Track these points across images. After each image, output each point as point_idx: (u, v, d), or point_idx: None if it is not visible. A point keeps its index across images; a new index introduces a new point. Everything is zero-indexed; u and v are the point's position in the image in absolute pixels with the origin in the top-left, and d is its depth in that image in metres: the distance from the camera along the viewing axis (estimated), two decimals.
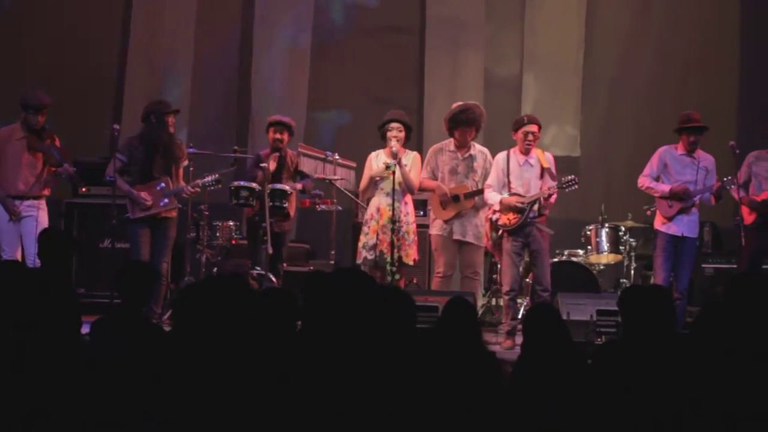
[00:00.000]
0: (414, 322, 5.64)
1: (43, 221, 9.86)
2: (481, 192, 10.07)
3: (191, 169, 10.28)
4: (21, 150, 9.85)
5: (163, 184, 9.81)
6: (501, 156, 10.06)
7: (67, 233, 10.33)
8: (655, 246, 10.16)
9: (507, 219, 9.88)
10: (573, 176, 9.94)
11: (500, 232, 9.98)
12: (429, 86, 13.43)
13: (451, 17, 13.44)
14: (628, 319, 5.72)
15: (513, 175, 9.95)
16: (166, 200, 9.81)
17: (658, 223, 10.13)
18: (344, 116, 13.62)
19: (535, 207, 9.80)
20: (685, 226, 10.04)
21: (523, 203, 9.78)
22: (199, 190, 10.07)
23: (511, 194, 9.87)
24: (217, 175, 10.15)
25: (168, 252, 9.97)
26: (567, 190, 9.93)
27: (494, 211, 9.96)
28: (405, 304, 5.64)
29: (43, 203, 9.93)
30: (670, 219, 10.02)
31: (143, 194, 9.77)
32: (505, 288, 9.98)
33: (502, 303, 10.36)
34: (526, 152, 9.96)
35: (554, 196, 9.89)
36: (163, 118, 9.83)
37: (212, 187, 10.23)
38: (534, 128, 9.94)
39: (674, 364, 5.36)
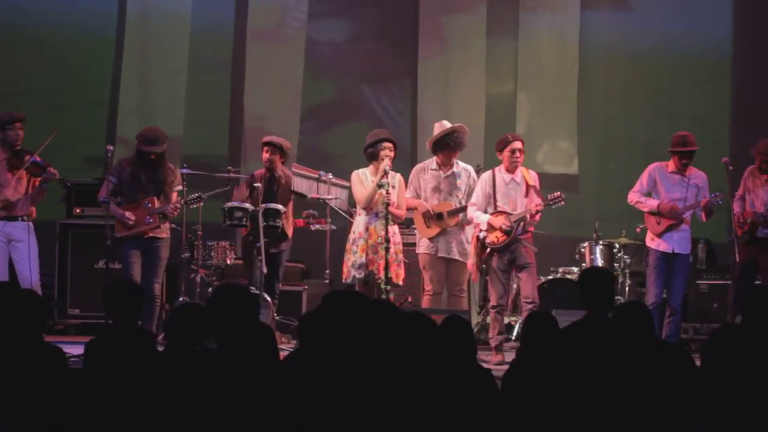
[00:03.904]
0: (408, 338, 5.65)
1: (35, 246, 9.86)
2: (464, 209, 10.10)
3: (185, 189, 10.32)
4: (2, 171, 9.84)
5: (149, 204, 9.85)
6: (486, 175, 10.12)
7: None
8: (646, 263, 10.20)
9: (495, 237, 9.91)
10: (559, 193, 10.01)
11: (488, 250, 10.00)
12: (422, 104, 13.43)
13: (446, 34, 13.45)
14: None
15: (499, 194, 10.00)
16: (150, 219, 9.84)
17: (649, 240, 10.18)
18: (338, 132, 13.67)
19: (522, 224, 9.86)
20: (675, 243, 10.08)
21: (510, 225, 9.83)
22: (180, 207, 10.08)
23: (497, 212, 9.92)
24: (198, 194, 10.24)
25: (160, 272, 10.00)
26: (554, 206, 10.00)
27: (481, 230, 9.98)
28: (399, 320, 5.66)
29: (32, 226, 9.91)
30: (659, 236, 10.06)
31: (127, 213, 9.80)
32: (492, 302, 10.05)
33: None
34: (512, 170, 10.01)
35: (539, 214, 9.95)
36: (140, 151, 9.89)
37: (194, 205, 10.32)
38: (520, 144, 10.00)
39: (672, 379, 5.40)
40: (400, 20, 13.65)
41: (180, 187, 10.15)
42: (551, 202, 9.94)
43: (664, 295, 10.17)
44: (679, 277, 10.11)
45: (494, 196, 9.99)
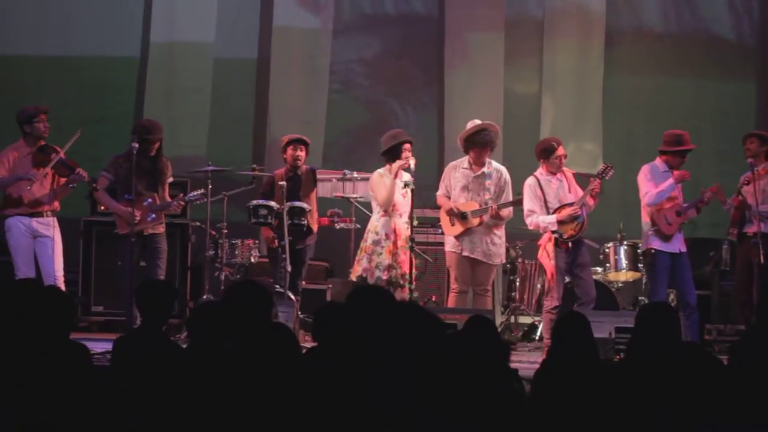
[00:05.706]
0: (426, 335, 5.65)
1: (59, 241, 9.91)
2: (486, 210, 10.10)
3: (209, 186, 10.36)
4: (28, 167, 9.88)
5: (150, 200, 9.87)
6: (531, 181, 10.16)
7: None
8: (654, 266, 10.17)
9: (572, 230, 9.99)
10: (604, 165, 10.20)
11: (570, 245, 10.03)
12: (448, 106, 13.45)
13: (470, 36, 13.45)
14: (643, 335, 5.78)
15: (549, 196, 10.10)
16: (153, 215, 9.88)
17: (657, 243, 10.13)
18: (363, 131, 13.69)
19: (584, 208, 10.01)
20: (680, 243, 10.16)
21: (577, 211, 9.91)
22: (184, 204, 10.15)
23: (558, 209, 10.03)
24: (202, 190, 10.32)
25: (163, 265, 10.08)
26: (607, 177, 10.09)
27: (553, 232, 9.99)
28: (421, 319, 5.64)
29: (56, 221, 9.96)
30: (670, 236, 10.04)
31: (131, 210, 9.80)
32: (554, 303, 10.04)
33: (543, 319, 10.42)
34: (556, 173, 10.12)
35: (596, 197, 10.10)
36: (145, 144, 9.90)
37: (198, 202, 10.40)
38: (563, 150, 10.15)
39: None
40: (425, 33, 13.68)
41: (171, 179, 10.21)
42: (602, 174, 10.04)
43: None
44: (689, 275, 10.20)
45: (545, 199, 10.06)
